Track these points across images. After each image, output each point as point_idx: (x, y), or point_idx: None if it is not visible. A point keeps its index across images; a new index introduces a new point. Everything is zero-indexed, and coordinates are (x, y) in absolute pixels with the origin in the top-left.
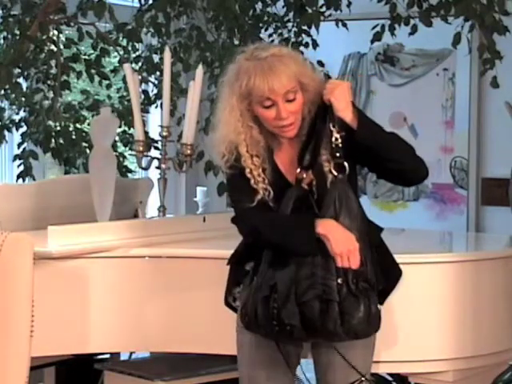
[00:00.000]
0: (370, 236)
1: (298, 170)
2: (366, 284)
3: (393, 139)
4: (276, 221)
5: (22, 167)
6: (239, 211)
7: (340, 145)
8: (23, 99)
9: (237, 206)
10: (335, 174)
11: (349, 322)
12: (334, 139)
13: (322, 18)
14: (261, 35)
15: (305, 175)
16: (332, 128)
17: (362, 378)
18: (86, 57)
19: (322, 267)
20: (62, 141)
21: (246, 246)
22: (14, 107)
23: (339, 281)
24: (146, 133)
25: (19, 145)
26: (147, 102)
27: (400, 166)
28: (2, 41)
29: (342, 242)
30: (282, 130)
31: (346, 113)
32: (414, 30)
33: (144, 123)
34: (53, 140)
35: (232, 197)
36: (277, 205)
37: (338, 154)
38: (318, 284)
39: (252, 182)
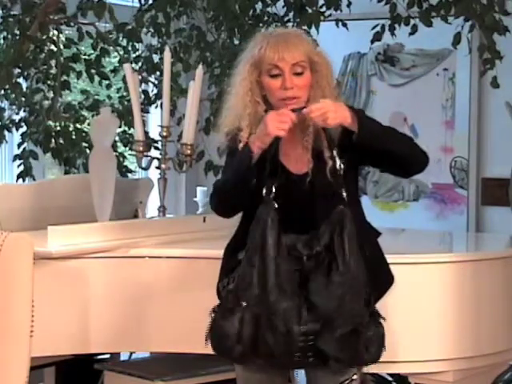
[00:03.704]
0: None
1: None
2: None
3: (390, 133)
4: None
5: (22, 167)
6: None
7: (341, 172)
8: (23, 99)
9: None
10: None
11: (372, 349)
12: (338, 166)
13: (322, 17)
14: None
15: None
16: (335, 154)
17: (353, 377)
18: (86, 57)
19: (352, 292)
20: (62, 141)
21: (242, 235)
22: (14, 107)
23: (364, 308)
24: (146, 133)
25: (19, 145)
26: (147, 102)
27: (400, 157)
28: (1, 41)
29: (268, 123)
30: (285, 103)
31: (345, 121)
32: (414, 30)
33: (144, 123)
34: (53, 140)
35: (223, 172)
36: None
37: (339, 182)
38: (350, 316)
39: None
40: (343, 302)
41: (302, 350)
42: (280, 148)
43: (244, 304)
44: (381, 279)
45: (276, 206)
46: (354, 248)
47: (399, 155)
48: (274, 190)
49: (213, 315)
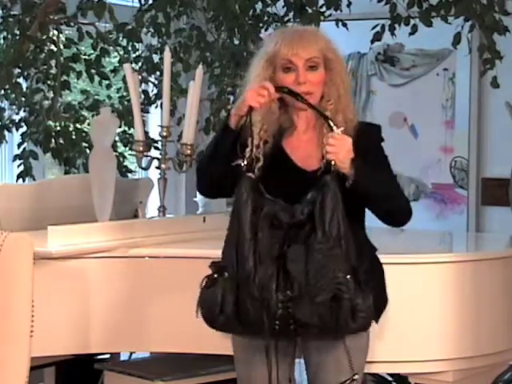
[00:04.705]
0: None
1: None
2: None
3: (384, 193)
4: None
5: (22, 167)
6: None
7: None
8: (23, 99)
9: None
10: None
11: (360, 318)
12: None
13: (322, 17)
14: (261, 35)
15: None
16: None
17: (354, 377)
18: (86, 57)
19: (334, 260)
20: (62, 141)
21: None
22: (14, 107)
23: (348, 277)
24: (146, 133)
25: (19, 145)
26: (147, 102)
27: (386, 216)
28: (1, 41)
29: (247, 93)
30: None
31: (344, 170)
32: (414, 30)
33: (144, 123)
34: (53, 140)
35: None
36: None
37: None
38: (331, 284)
39: (248, 149)
40: (321, 269)
41: (282, 318)
42: (285, 138)
43: (226, 275)
44: (380, 294)
45: (251, 175)
46: (337, 217)
47: (381, 214)
48: (245, 162)
49: (202, 284)
